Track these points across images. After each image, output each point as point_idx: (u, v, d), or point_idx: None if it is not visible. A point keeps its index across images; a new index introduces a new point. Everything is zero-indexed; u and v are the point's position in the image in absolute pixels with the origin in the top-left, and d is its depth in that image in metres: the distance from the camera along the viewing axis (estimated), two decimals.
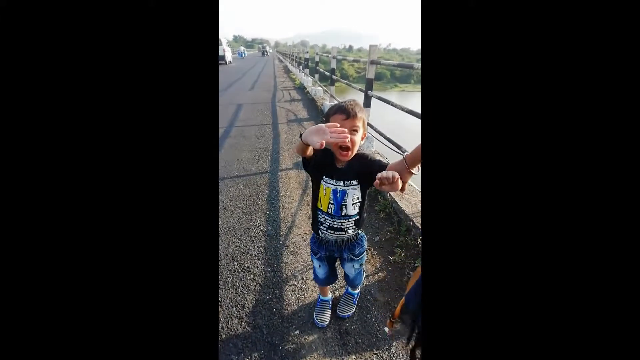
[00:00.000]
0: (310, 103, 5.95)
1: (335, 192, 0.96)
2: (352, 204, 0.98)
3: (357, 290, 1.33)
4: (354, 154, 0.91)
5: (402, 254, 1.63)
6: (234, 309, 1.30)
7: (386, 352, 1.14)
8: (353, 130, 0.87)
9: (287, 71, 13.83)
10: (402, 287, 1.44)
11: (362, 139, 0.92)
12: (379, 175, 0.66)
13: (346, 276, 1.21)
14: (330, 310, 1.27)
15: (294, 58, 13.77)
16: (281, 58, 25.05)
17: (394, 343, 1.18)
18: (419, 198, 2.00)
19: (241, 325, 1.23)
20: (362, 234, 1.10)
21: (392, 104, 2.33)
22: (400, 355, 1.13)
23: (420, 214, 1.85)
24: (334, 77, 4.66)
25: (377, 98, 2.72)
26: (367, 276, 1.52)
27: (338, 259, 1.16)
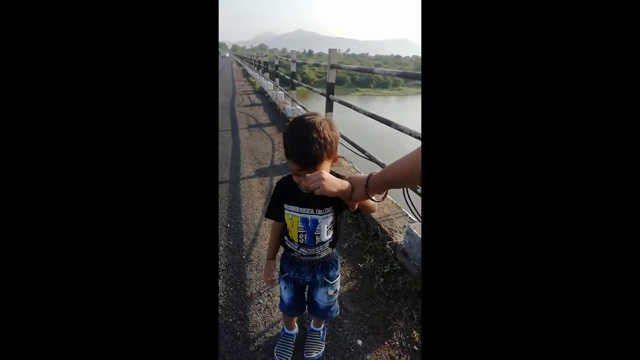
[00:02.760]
0: (272, 107, 5.81)
1: (305, 220, 0.82)
2: (327, 230, 0.84)
3: (322, 326, 1.16)
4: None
5: (372, 260, 1.60)
6: None
7: None
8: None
9: (246, 75, 13.49)
10: (373, 297, 1.40)
11: (333, 163, 0.76)
12: (307, 176, 0.66)
13: (315, 307, 0.99)
14: (293, 347, 1.12)
15: (252, 62, 13.49)
16: (239, 62, 24.46)
17: (368, 357, 1.13)
18: (385, 202, 2.00)
19: None
20: (336, 253, 0.96)
21: (355, 108, 2.32)
22: None
23: (387, 218, 1.84)
24: (294, 80, 4.60)
25: (338, 102, 2.70)
26: None
27: (307, 287, 1.00)
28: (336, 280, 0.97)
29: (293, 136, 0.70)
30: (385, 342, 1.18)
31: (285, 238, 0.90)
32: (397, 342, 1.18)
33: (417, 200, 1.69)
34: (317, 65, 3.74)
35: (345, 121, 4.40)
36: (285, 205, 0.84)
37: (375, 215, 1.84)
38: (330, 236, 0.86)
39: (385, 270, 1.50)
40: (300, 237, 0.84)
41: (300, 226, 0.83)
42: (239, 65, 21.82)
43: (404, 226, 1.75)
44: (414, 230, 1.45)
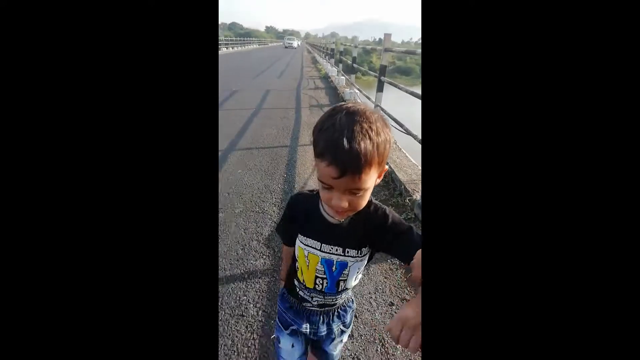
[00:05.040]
0: (333, 91, 6.28)
1: (328, 263, 0.59)
2: (357, 275, 0.63)
3: None
4: (354, 212, 0.55)
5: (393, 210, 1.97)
6: (254, 235, 1.71)
7: None
8: (352, 192, 0.49)
9: (315, 62, 14.13)
10: None
11: (378, 178, 0.52)
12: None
13: (323, 358, 0.77)
14: None
15: (321, 49, 14.03)
16: (310, 49, 25.40)
17: (372, 266, 1.53)
18: (415, 170, 2.31)
19: (259, 244, 1.63)
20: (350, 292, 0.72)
21: (399, 87, 2.62)
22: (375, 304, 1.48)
23: (412, 182, 2.16)
24: (354, 65, 4.95)
25: (388, 83, 3.01)
26: None
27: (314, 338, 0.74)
28: (351, 322, 0.75)
29: (332, 126, 0.47)
30: (388, 260, 1.57)
31: (295, 281, 0.67)
32: (396, 262, 1.55)
33: None
34: (375, 50, 4.03)
35: (396, 102, 4.64)
36: (301, 237, 0.61)
37: (403, 179, 2.17)
38: (357, 281, 0.66)
39: (402, 217, 1.86)
40: (317, 282, 0.62)
41: (320, 268, 0.60)
42: (309, 52, 22.68)
43: None
44: None
